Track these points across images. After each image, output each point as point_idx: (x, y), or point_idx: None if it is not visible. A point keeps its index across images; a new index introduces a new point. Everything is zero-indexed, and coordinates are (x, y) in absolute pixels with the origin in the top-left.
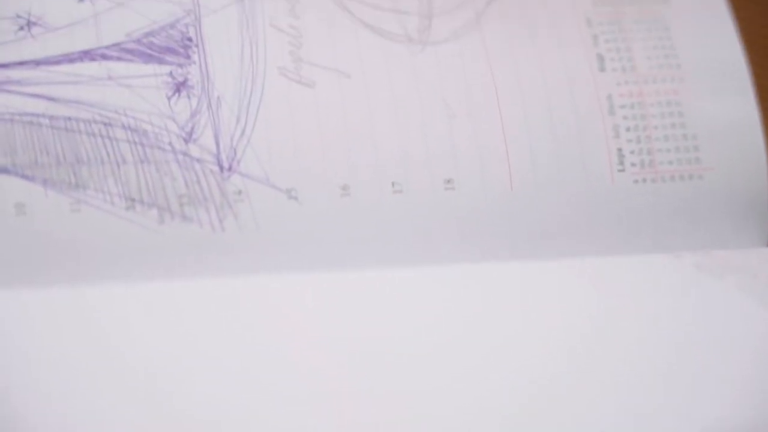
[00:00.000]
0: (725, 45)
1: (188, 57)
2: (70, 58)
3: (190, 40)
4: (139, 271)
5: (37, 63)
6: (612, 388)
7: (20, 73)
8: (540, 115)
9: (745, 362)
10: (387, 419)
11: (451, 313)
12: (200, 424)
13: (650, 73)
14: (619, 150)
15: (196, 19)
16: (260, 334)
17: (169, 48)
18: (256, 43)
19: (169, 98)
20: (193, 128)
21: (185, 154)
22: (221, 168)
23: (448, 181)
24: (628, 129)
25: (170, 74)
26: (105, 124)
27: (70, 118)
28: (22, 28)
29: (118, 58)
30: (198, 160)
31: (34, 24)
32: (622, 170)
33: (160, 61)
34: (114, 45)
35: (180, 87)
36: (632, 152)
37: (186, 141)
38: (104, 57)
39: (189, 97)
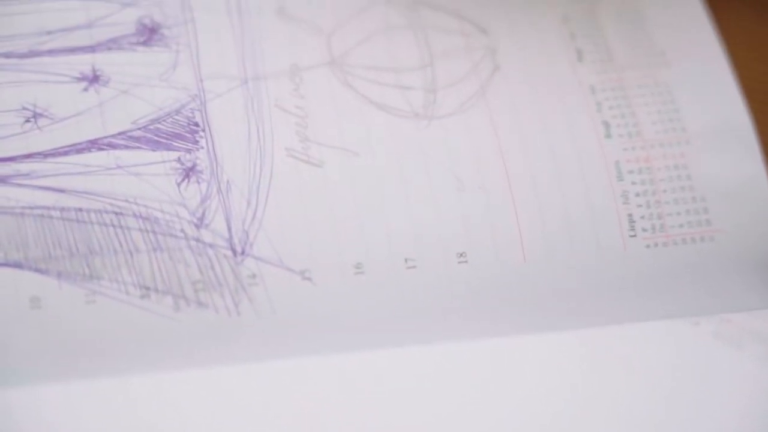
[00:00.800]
0: (729, 106)
1: (196, 142)
2: (77, 149)
3: (196, 125)
4: (156, 360)
5: (45, 155)
6: None
7: (29, 166)
8: (549, 185)
9: None
10: None
11: (471, 391)
12: None
13: (656, 138)
14: (630, 216)
15: (202, 104)
16: (281, 420)
17: (176, 134)
18: (262, 124)
19: (178, 184)
20: (204, 213)
21: (198, 240)
22: (234, 252)
23: (461, 255)
24: (637, 194)
25: (178, 160)
26: (116, 214)
27: (81, 209)
28: (28, 120)
29: (126, 147)
30: (211, 246)
31: (41, 115)
32: (634, 236)
33: (168, 148)
34: (121, 133)
35: (189, 173)
36: (643, 217)
37: (198, 227)
38: (112, 146)
39: (198, 183)
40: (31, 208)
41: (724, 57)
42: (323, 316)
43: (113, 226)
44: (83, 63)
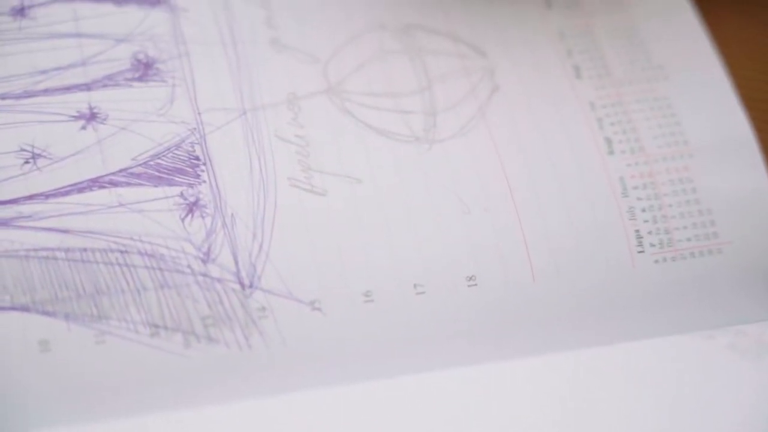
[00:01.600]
0: (730, 117)
1: (197, 176)
2: (79, 188)
3: (197, 158)
4: (169, 399)
5: (47, 196)
6: None
7: (31, 208)
8: (554, 204)
9: None
10: None
11: (487, 415)
12: None
13: (659, 152)
14: (637, 231)
15: (201, 137)
16: None
17: (177, 169)
18: (263, 155)
19: (182, 220)
20: (210, 248)
21: (205, 275)
22: (242, 286)
23: (470, 278)
24: (643, 210)
25: (181, 195)
26: (121, 252)
27: (85, 249)
28: (27, 161)
29: (127, 184)
30: (218, 280)
31: (40, 156)
32: (642, 251)
33: (170, 183)
34: (121, 170)
35: (192, 207)
36: (650, 232)
37: (204, 261)
38: (113, 183)
39: (203, 217)
40: (35, 250)
41: (721, 68)
42: (334, 346)
43: (119, 264)
44: (80, 101)
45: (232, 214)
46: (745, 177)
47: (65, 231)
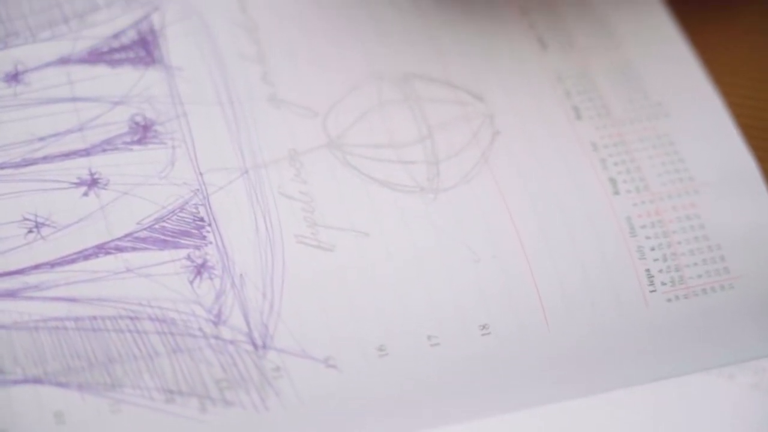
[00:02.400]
0: (732, 150)
1: (203, 237)
2: (84, 255)
3: (202, 220)
4: None
5: (53, 264)
6: None
7: (37, 278)
8: (563, 247)
9: None
10: None
11: None
12: None
13: (664, 190)
14: (647, 271)
15: (205, 198)
16: None
17: (183, 231)
18: (268, 213)
19: (191, 282)
20: (220, 310)
21: (217, 337)
22: (255, 346)
23: (484, 327)
24: (652, 249)
25: (188, 257)
26: (131, 319)
27: (95, 317)
28: (31, 231)
29: (133, 249)
30: (231, 342)
31: (43, 225)
32: (654, 291)
33: (176, 246)
34: (126, 235)
35: (200, 269)
36: (660, 271)
37: (215, 324)
38: (119, 249)
39: (211, 279)
40: (44, 320)
41: (720, 100)
42: (351, 402)
43: (130, 331)
44: (80, 167)
45: (240, 274)
46: (751, 209)
47: (73, 300)
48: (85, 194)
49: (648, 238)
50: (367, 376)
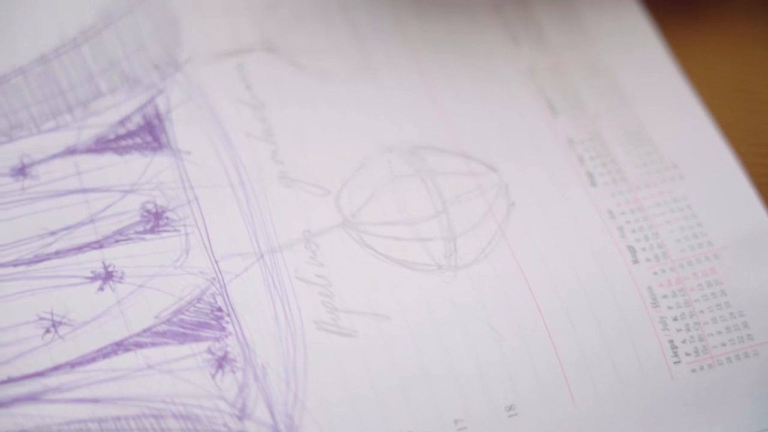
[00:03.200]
0: (750, 211)
1: (223, 329)
2: (104, 353)
3: (220, 310)
4: None
5: (72, 365)
6: None
7: (57, 379)
8: (585, 321)
9: None
10: None
11: None
12: None
13: (684, 257)
14: (671, 342)
15: (222, 287)
16: None
17: (202, 323)
18: (287, 300)
19: (213, 377)
20: (244, 403)
21: None
22: None
23: (510, 408)
24: (675, 319)
25: (209, 350)
26: (155, 417)
27: (118, 418)
28: (48, 331)
29: (153, 344)
30: None
31: (60, 323)
32: (678, 362)
33: (196, 339)
34: (145, 330)
35: (222, 362)
36: (684, 341)
37: (240, 418)
38: (138, 345)
39: (233, 371)
40: (67, 423)
41: (735, 160)
42: None
43: (154, 430)
44: (93, 260)
45: (262, 365)
46: None
47: (95, 400)
48: (101, 289)
49: (670, 308)
50: None
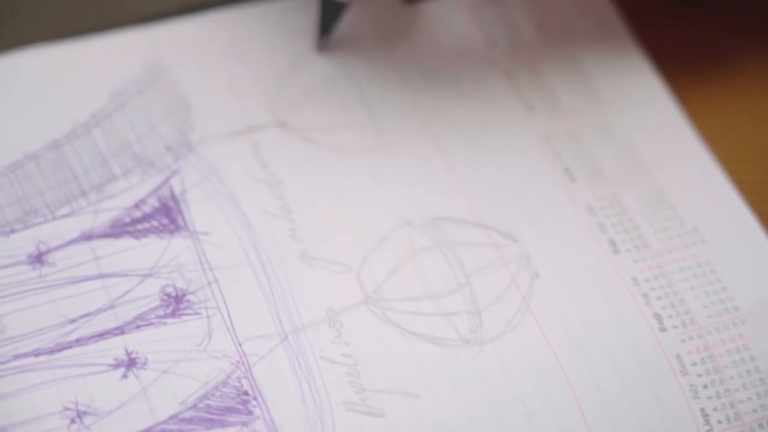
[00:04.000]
0: None
1: (250, 413)
2: None
3: (246, 394)
4: None
5: None
6: None
7: None
8: (615, 393)
9: None
10: None
11: None
12: None
13: (711, 323)
14: (702, 410)
15: (247, 370)
16: None
17: (228, 408)
18: (313, 381)
19: None
20: None
21: None
22: None
23: None
24: (705, 386)
25: None
26: None
27: None
28: (74, 421)
29: (180, 431)
30: None
31: (85, 413)
32: (710, 430)
33: (223, 424)
34: (171, 417)
35: None
36: (715, 409)
37: None
38: None
39: None
40: None
41: (755, 220)
42: None
43: None
44: (115, 347)
45: None
46: None
47: None
48: (124, 376)
49: (700, 375)
50: None
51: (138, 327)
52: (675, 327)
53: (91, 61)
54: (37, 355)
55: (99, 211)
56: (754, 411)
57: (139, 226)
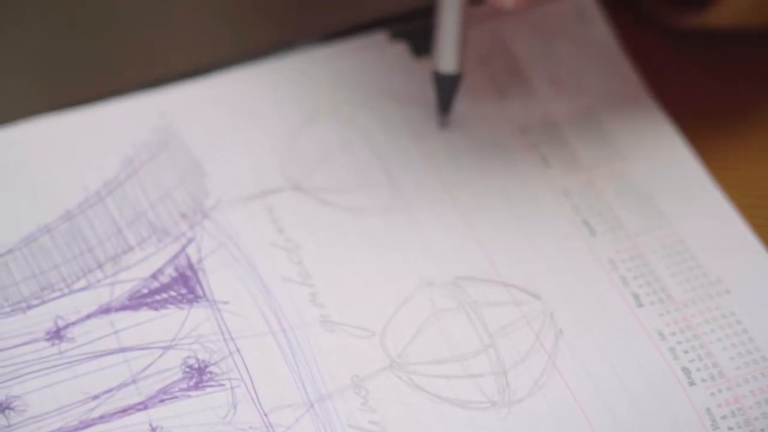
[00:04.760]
0: None
1: None
2: None
3: None
4: None
5: None
6: None
7: None
8: None
9: None
10: None
11: None
12: None
13: (740, 375)
14: None
15: None
16: None
17: None
18: None
19: None
20: None
21: None
22: None
23: None
24: None
25: None
26: None
27: None
28: None
29: None
30: None
31: None
32: None
33: None
34: None
35: None
36: None
37: None
38: None
39: None
40: None
41: None
42: None
43: None
44: (139, 422)
45: None
46: None
47: None
48: None
49: (731, 429)
50: None
51: (162, 401)
52: (703, 380)
53: (100, 129)
54: None
55: (116, 283)
56: None
57: (158, 297)
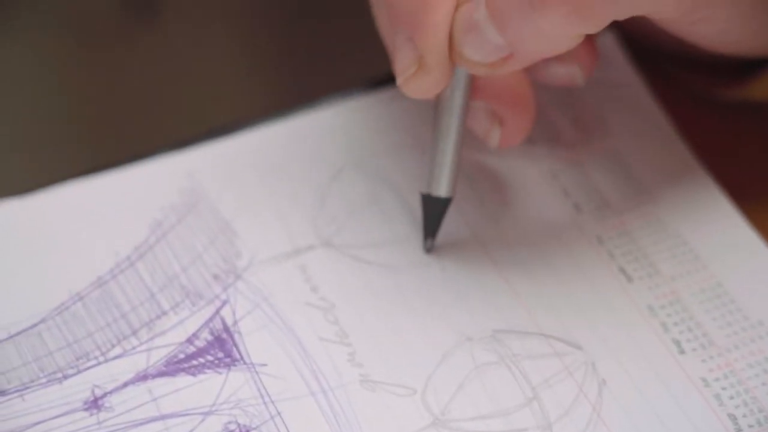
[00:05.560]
0: None
1: None
2: None
3: None
4: None
5: None
6: None
7: None
8: None
9: None
10: None
11: None
12: None
13: None
14: None
15: None
16: None
17: None
18: None
19: None
20: None
21: None
22: None
23: None
24: None
25: None
26: None
27: None
28: None
29: None
30: None
31: None
32: None
33: None
34: None
35: None
36: None
37: None
38: None
39: None
40: None
41: None
42: None
43: None
44: None
45: None
46: None
47: None
48: None
49: None
50: None
51: None
52: (750, 426)
53: (128, 192)
54: None
55: (152, 349)
56: None
57: (195, 362)
